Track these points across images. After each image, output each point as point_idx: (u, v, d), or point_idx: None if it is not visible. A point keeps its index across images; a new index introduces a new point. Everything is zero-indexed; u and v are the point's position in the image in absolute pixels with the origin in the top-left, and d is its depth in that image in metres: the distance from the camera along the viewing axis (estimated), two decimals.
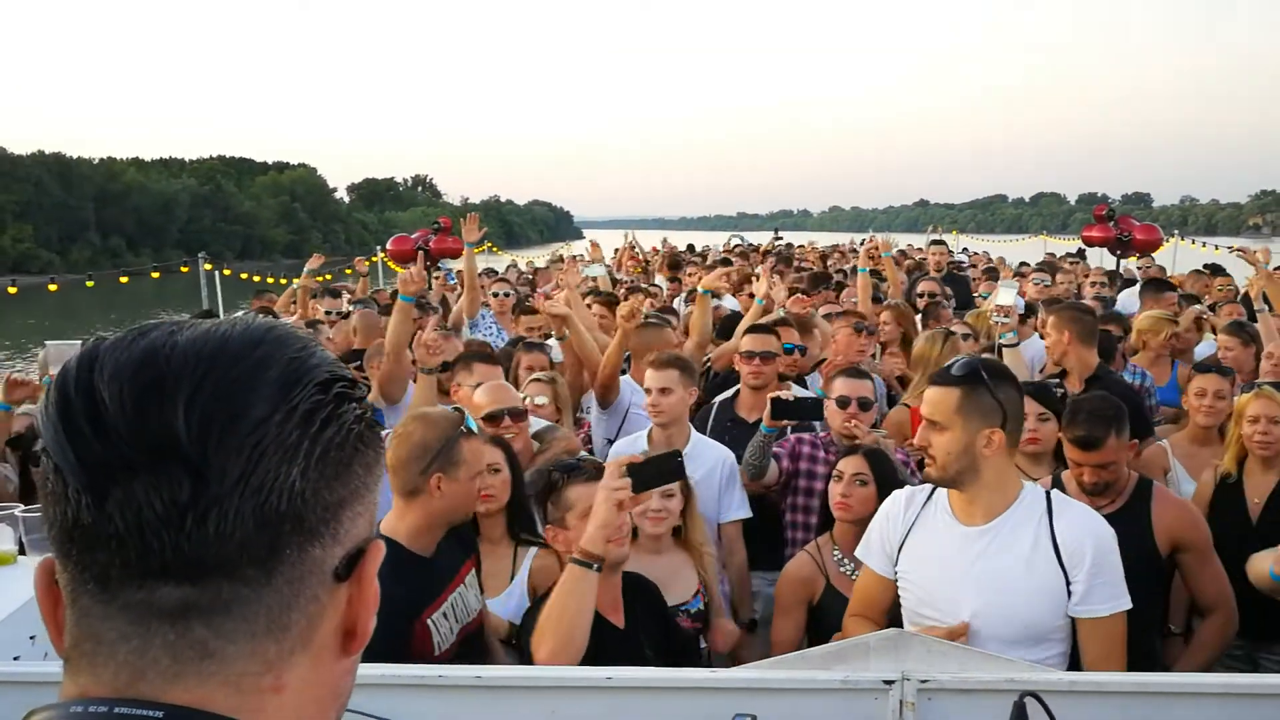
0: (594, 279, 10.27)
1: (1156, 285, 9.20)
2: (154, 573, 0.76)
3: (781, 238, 26.21)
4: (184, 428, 0.75)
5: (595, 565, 2.95)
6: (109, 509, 0.75)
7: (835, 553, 4.08)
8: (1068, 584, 3.01)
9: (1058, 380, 5.84)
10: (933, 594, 3.13)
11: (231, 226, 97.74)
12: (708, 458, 4.69)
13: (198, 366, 0.78)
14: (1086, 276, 12.47)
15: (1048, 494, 3.18)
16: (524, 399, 4.96)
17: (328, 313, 9.73)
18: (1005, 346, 5.94)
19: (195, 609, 0.77)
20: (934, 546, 3.17)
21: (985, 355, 5.96)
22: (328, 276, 20.25)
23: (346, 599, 0.85)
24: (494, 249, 30.37)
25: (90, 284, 23.15)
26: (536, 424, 4.84)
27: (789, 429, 5.02)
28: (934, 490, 3.26)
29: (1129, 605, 3.04)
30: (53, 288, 18.83)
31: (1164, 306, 7.97)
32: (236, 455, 0.76)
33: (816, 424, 5.04)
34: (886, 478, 4.12)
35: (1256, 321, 7.32)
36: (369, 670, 2.57)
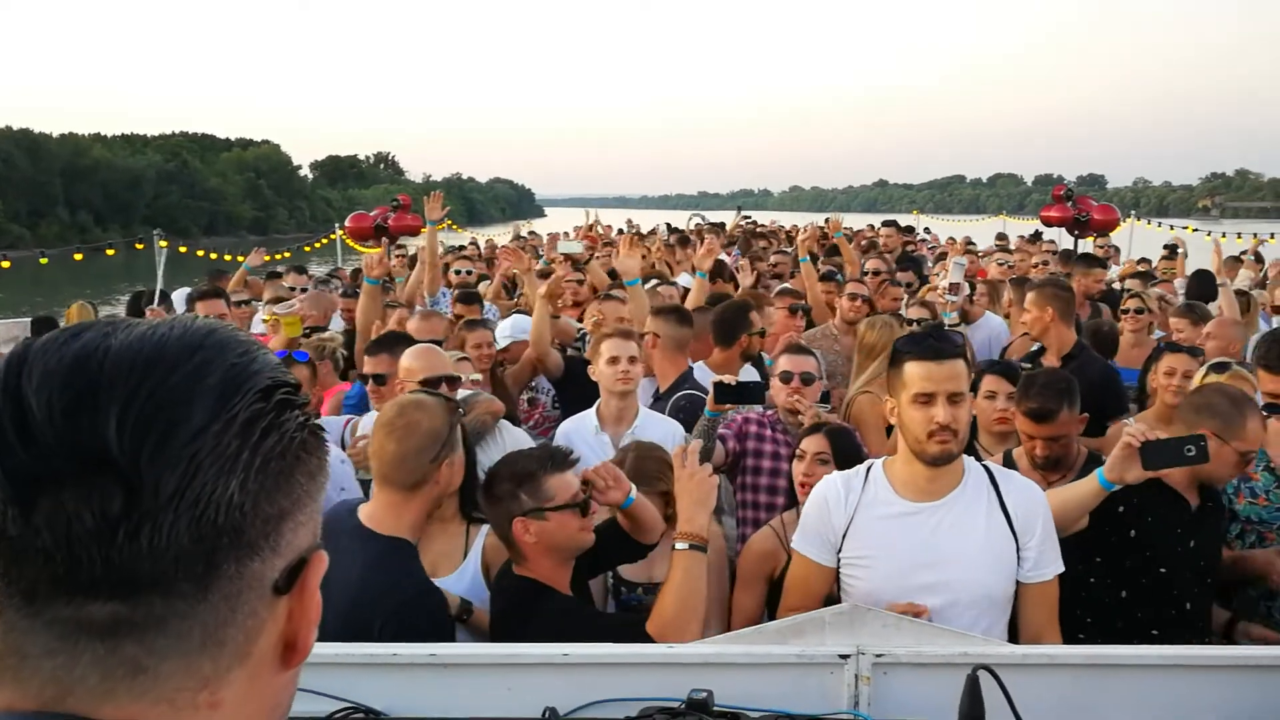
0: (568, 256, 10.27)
1: (1087, 260, 9.37)
2: (83, 588, 0.73)
3: (749, 216, 26.20)
4: (116, 438, 0.72)
5: (704, 547, 3.11)
6: (36, 522, 0.71)
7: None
8: (1018, 552, 3.08)
9: (1032, 359, 5.92)
10: (888, 575, 3.10)
11: (198, 203, 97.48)
12: (658, 432, 4.70)
13: (131, 373, 0.74)
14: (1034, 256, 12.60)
15: (986, 468, 3.21)
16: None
17: (291, 288, 9.66)
18: (951, 326, 6.00)
19: (126, 626, 0.74)
20: (885, 527, 3.13)
21: (954, 329, 6.04)
22: (287, 254, 20.06)
23: (287, 612, 0.82)
24: (454, 227, 30.19)
25: (44, 260, 22.77)
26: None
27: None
28: (868, 471, 3.23)
29: (1063, 568, 3.15)
30: (5, 264, 18.46)
31: (1091, 283, 8.23)
32: (172, 467, 0.73)
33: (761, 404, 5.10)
34: (849, 456, 4.14)
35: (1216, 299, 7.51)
36: (323, 649, 2.55)
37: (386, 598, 2.94)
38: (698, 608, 3.10)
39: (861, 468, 3.28)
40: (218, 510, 0.74)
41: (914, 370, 3.05)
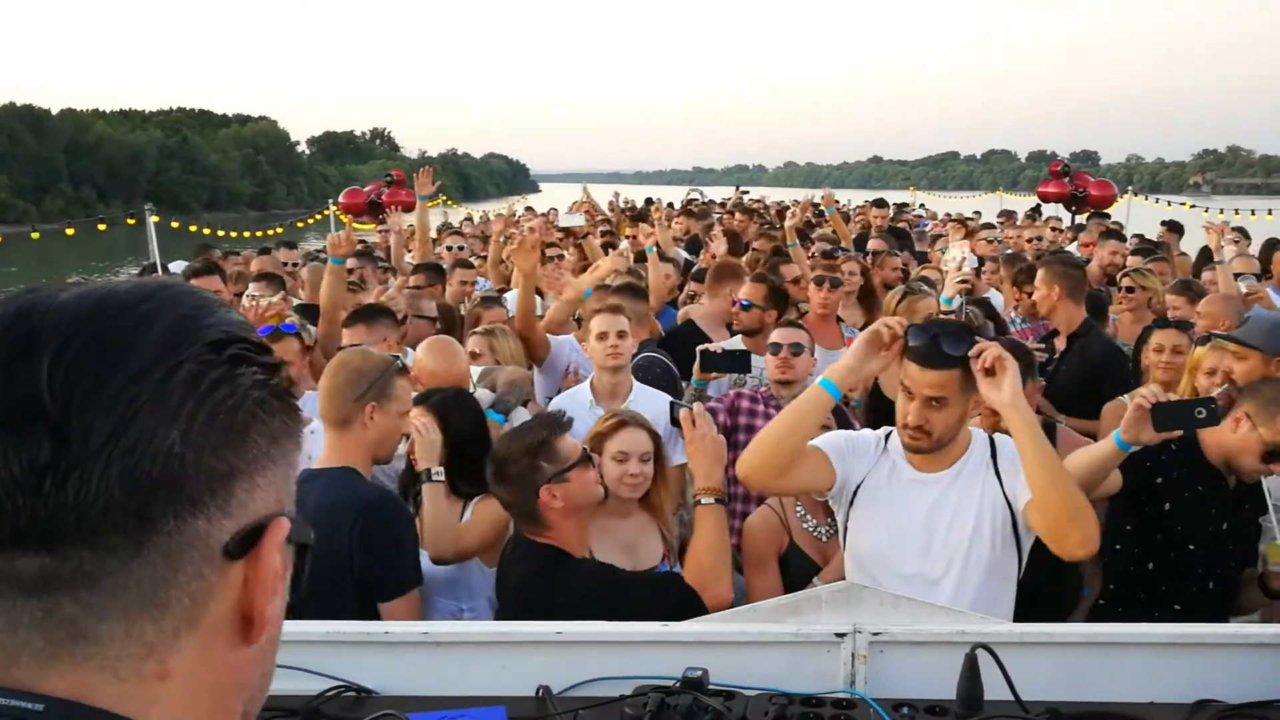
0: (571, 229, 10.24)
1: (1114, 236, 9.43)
2: (8, 540, 0.70)
3: (747, 191, 26.27)
4: (47, 384, 0.69)
5: (725, 499, 3.31)
6: None
7: (799, 508, 4.05)
8: (1013, 515, 3.10)
9: (1046, 342, 5.91)
10: (891, 540, 3.17)
11: (199, 179, 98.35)
12: (651, 406, 4.68)
13: (71, 322, 0.72)
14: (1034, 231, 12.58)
15: (990, 438, 3.27)
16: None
17: (284, 264, 9.62)
18: (945, 312, 5.98)
19: (56, 580, 0.71)
20: (892, 492, 3.20)
21: (947, 316, 6.01)
22: (279, 229, 20.00)
23: (241, 580, 0.78)
24: (449, 202, 30.06)
25: (35, 235, 22.74)
26: (476, 370, 4.82)
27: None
28: (887, 437, 3.30)
29: None
30: None
31: (1108, 255, 8.28)
32: (105, 414, 0.70)
33: (757, 378, 5.09)
34: (837, 420, 4.15)
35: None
36: (314, 627, 2.53)
37: (348, 507, 3.11)
38: (728, 557, 3.28)
39: (881, 433, 3.36)
40: (154, 461, 0.71)
41: (907, 365, 3.15)
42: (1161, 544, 3.79)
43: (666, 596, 3.09)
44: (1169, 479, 3.76)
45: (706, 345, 4.66)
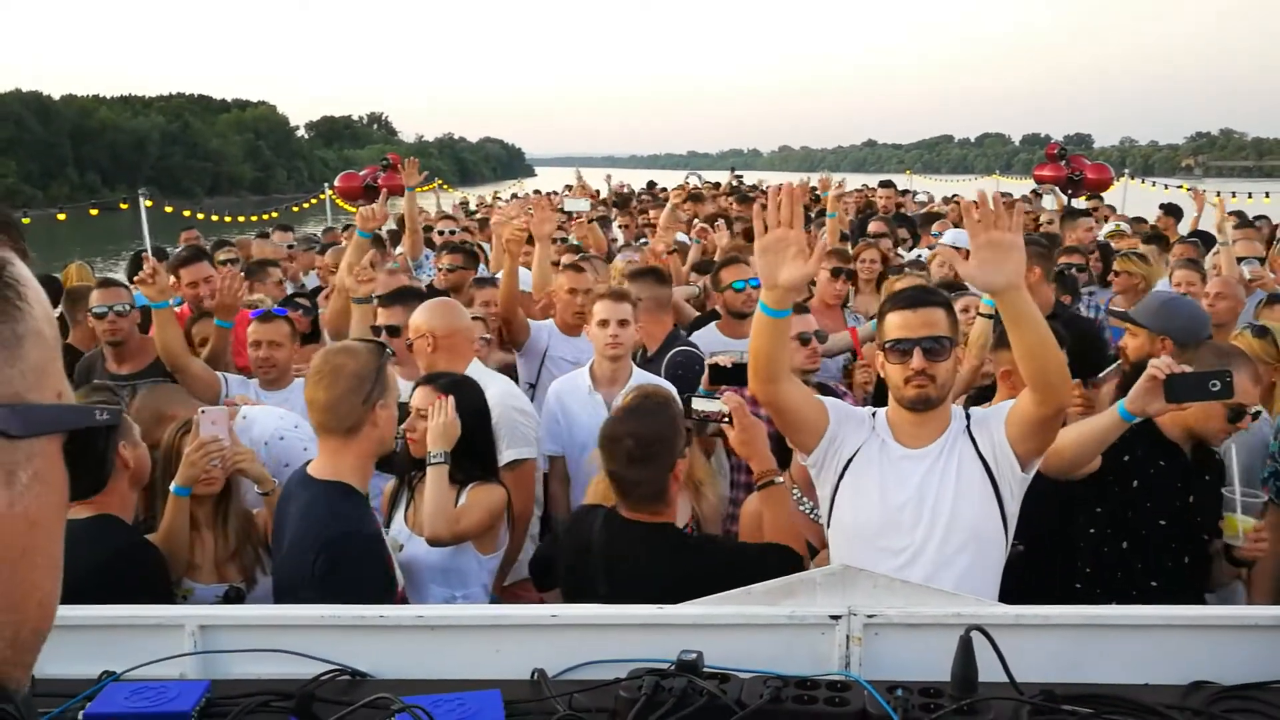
0: (577, 214, 10.18)
1: (1071, 214, 9.50)
2: None
3: (741, 176, 26.23)
4: None
5: (782, 478, 3.52)
6: None
7: (794, 491, 4.05)
8: (995, 484, 3.15)
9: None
10: (876, 515, 3.22)
11: (201, 164, 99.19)
12: None
13: None
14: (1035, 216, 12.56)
15: (966, 412, 3.31)
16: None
17: (290, 246, 9.62)
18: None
19: None
20: (880, 468, 3.24)
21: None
22: (275, 214, 19.94)
23: None
24: (446, 186, 29.95)
25: (27, 220, 22.65)
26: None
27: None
28: (874, 415, 3.34)
29: None
30: None
31: (1082, 234, 8.33)
32: None
33: None
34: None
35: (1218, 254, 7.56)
36: (308, 611, 2.53)
37: (317, 536, 3.00)
38: (799, 529, 3.50)
39: (869, 410, 3.41)
40: None
41: (892, 320, 3.20)
42: (1134, 522, 3.83)
43: (785, 567, 3.07)
44: (1135, 456, 3.81)
45: (716, 358, 4.65)
